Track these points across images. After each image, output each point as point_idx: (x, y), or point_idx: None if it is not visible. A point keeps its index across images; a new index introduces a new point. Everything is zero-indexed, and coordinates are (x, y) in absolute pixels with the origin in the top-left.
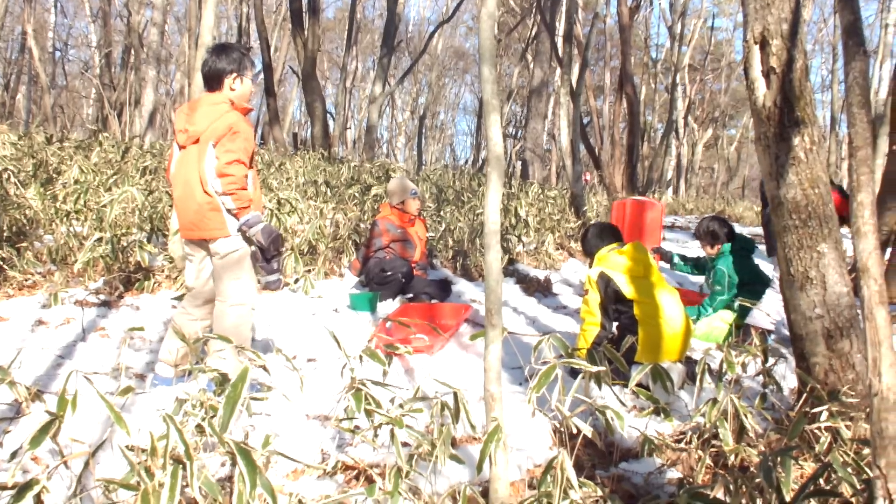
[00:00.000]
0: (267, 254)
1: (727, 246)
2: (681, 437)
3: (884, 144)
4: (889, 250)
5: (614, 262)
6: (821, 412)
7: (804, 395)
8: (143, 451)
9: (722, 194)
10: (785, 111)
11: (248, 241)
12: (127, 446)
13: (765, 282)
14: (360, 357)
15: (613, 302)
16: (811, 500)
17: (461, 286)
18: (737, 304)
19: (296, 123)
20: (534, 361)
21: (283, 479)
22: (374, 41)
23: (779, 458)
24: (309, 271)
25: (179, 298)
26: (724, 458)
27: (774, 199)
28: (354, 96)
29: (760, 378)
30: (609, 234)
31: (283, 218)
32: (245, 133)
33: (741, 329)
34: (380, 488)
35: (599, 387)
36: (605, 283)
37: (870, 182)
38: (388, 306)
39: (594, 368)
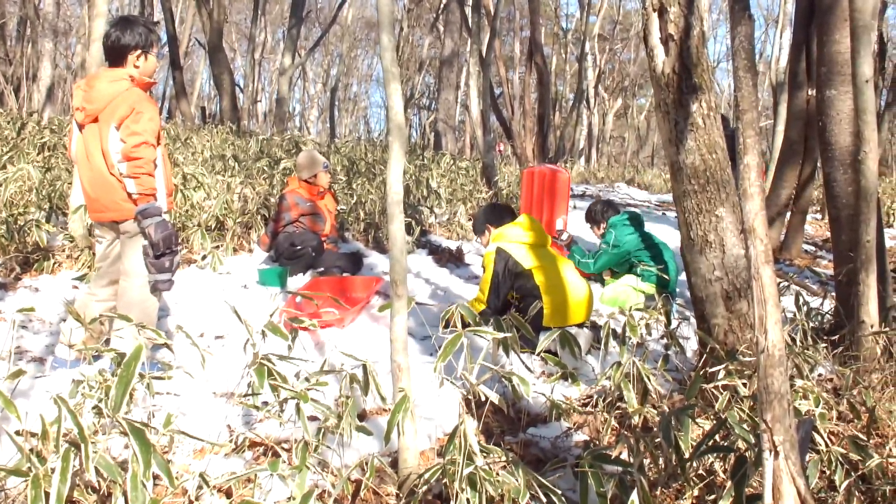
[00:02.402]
0: (156, 250)
1: (614, 219)
2: (587, 400)
3: (783, 111)
4: (788, 213)
5: (510, 235)
6: (719, 371)
7: (704, 356)
8: (34, 435)
9: (633, 163)
10: (683, 78)
11: (142, 232)
12: (17, 432)
13: (660, 249)
14: (263, 332)
15: (513, 277)
16: (708, 455)
17: (373, 259)
18: (639, 269)
19: (204, 97)
20: (441, 331)
21: (189, 458)
22: (282, 11)
23: (678, 417)
24: (217, 247)
25: (81, 279)
26: (628, 420)
27: (674, 165)
28: (264, 68)
29: (665, 341)
30: (505, 212)
31: (188, 194)
32: (149, 112)
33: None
34: (285, 462)
35: (507, 354)
36: (504, 259)
37: (756, 144)
38: (299, 281)
39: (500, 335)
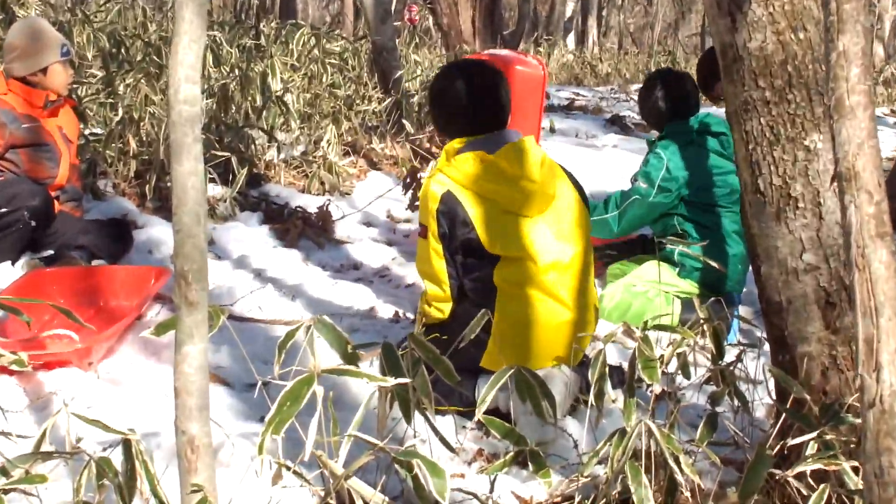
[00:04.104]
0: None
1: (680, 125)
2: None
3: None
4: None
5: (473, 175)
6: (806, 444)
7: (784, 416)
8: None
9: (666, 47)
10: None
11: None
12: None
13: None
14: None
15: (462, 251)
16: None
17: (154, 231)
18: (677, 252)
19: None
20: (277, 372)
21: None
22: None
23: None
24: None
25: None
26: None
27: (727, 52)
28: None
29: (714, 388)
30: (484, 102)
31: None
32: None
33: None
34: None
35: (409, 417)
36: (453, 215)
37: (859, 15)
38: (4, 274)
39: (390, 382)
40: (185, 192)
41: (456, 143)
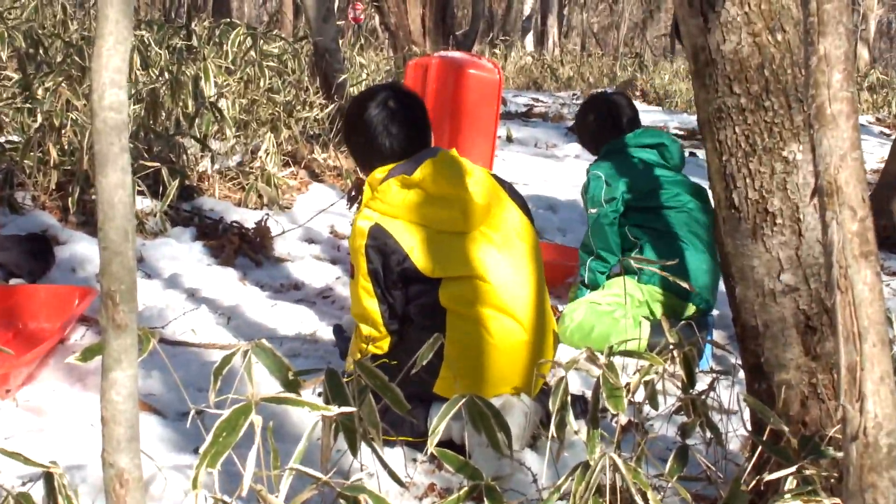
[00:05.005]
0: None
1: (614, 142)
2: None
3: None
4: None
5: (399, 202)
6: (784, 479)
7: (760, 448)
8: None
9: (633, 48)
10: None
11: None
12: None
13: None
14: None
15: (402, 281)
16: None
17: (78, 247)
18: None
19: None
20: (213, 400)
21: None
22: None
23: None
24: None
25: None
26: None
27: (698, 54)
28: None
29: (684, 419)
30: (401, 125)
31: None
32: None
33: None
34: None
35: (355, 449)
36: (383, 248)
37: (841, 16)
38: None
39: (334, 410)
40: (111, 206)
41: (377, 174)
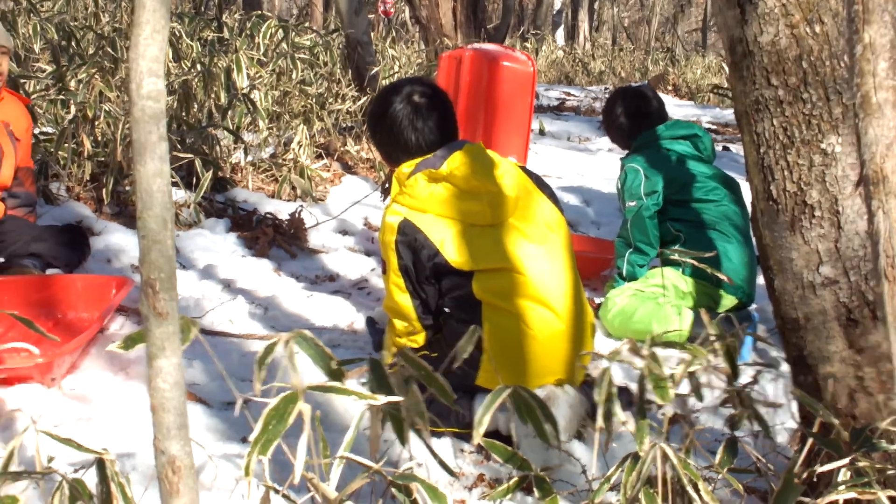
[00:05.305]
0: None
1: (648, 133)
2: None
3: None
4: None
5: (428, 196)
6: (837, 471)
7: (810, 440)
8: None
9: (663, 43)
10: None
11: None
12: None
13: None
14: None
15: (435, 275)
16: None
17: (112, 238)
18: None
19: None
20: (258, 389)
21: None
22: None
23: None
24: None
25: None
26: None
27: (735, 46)
28: None
29: (731, 410)
30: (426, 119)
31: None
32: None
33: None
34: None
35: (403, 438)
36: (414, 243)
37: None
38: None
39: (381, 400)
40: (150, 194)
41: (404, 168)
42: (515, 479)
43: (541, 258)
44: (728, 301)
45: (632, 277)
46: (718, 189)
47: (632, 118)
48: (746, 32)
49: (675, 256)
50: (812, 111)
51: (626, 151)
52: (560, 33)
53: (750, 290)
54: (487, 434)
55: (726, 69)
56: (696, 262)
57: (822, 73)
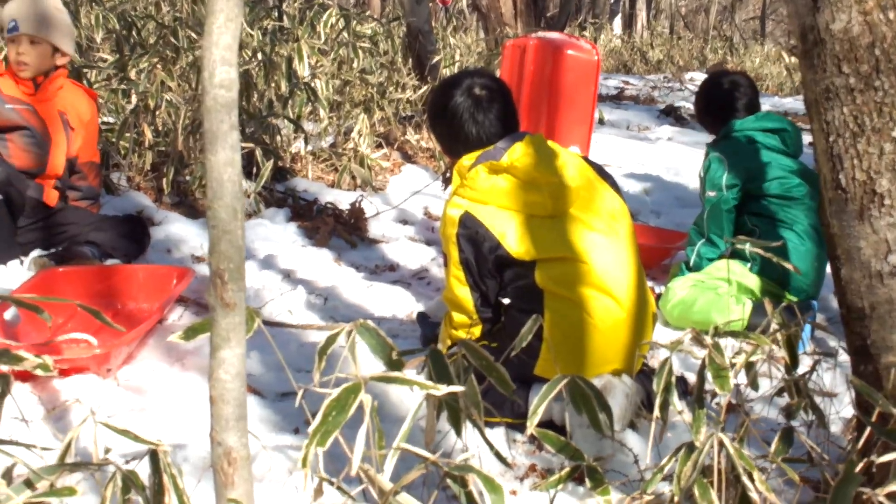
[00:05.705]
0: None
1: (737, 123)
2: None
3: None
4: None
5: (489, 188)
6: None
7: (868, 430)
8: None
9: (723, 31)
10: None
11: None
12: None
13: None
14: None
15: (497, 266)
16: None
17: (173, 228)
18: (748, 249)
19: None
20: (318, 380)
21: None
22: None
23: None
24: None
25: None
26: None
27: (807, 34)
28: None
29: (788, 400)
30: (487, 112)
31: None
32: None
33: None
34: None
35: (459, 429)
36: (475, 236)
37: None
38: (11, 273)
39: (442, 390)
40: (220, 184)
41: (465, 160)
42: (567, 469)
43: (605, 247)
44: (791, 298)
45: (697, 268)
46: (802, 185)
47: (722, 106)
48: (818, 20)
49: (741, 245)
50: (884, 99)
51: (714, 137)
52: (618, 22)
53: (814, 292)
54: (541, 424)
55: (786, 58)
56: (762, 252)
57: (895, 61)
